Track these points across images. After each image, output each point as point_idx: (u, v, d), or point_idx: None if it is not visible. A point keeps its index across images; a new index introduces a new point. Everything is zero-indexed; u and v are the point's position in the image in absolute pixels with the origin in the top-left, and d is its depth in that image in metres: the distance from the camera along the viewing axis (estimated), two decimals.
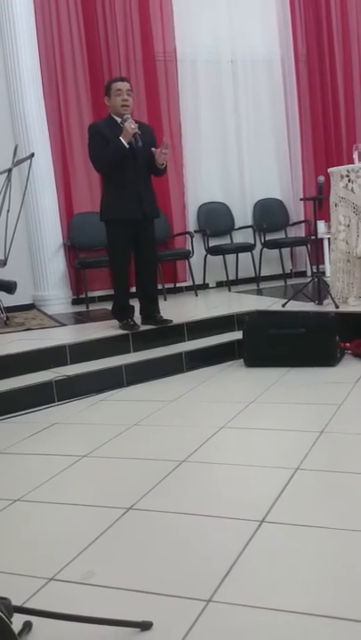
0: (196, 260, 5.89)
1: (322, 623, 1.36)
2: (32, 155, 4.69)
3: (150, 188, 4.07)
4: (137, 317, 4.14)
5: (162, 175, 4.15)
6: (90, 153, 4.01)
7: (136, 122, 3.92)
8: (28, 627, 1.40)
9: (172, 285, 5.95)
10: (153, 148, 3.94)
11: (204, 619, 1.41)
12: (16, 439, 2.82)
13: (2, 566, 1.70)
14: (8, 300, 4.84)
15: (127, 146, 3.83)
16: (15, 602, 1.34)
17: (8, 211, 4.45)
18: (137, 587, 1.56)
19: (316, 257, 5.21)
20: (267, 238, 6.15)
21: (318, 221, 4.85)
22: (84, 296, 5.42)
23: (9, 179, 4.47)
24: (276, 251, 6.19)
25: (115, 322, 4.15)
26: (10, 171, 4.51)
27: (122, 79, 4.02)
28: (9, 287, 4.59)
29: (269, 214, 6.35)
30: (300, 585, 1.51)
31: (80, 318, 4.83)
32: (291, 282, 6.05)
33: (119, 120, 3.92)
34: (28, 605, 1.48)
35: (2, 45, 5.29)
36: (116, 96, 3.90)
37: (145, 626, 1.38)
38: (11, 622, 1.18)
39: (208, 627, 1.38)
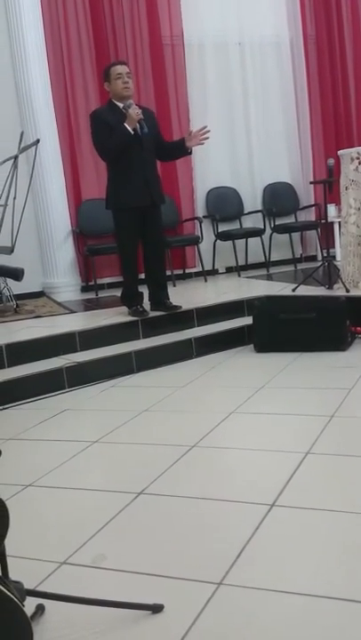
0: (206, 245, 5.86)
1: (332, 605, 1.36)
2: (37, 141, 4.66)
3: (157, 173, 4.04)
4: (146, 304, 4.13)
5: (168, 160, 4.14)
6: (94, 141, 3.96)
7: (139, 107, 3.87)
8: (40, 610, 1.41)
9: (181, 271, 5.93)
10: (192, 129, 3.93)
11: (214, 601, 1.41)
12: (27, 425, 2.83)
13: (14, 550, 1.71)
14: (18, 287, 4.85)
15: (132, 132, 3.79)
16: (27, 585, 1.35)
17: (15, 198, 4.44)
18: (148, 570, 1.57)
19: (327, 241, 5.18)
20: (276, 223, 6.11)
21: (328, 205, 4.80)
22: (93, 283, 5.41)
23: (15, 165, 4.45)
24: (286, 235, 6.13)
25: (124, 308, 4.15)
26: (16, 158, 4.49)
27: (120, 63, 3.98)
28: (16, 274, 4.60)
29: (279, 198, 6.29)
30: (310, 568, 1.51)
31: (89, 305, 4.83)
32: (301, 266, 6.00)
33: (121, 105, 3.87)
34: (41, 589, 1.49)
35: (8, 30, 5.24)
36: (116, 79, 3.85)
37: (156, 608, 1.39)
38: (23, 605, 1.20)
39: (219, 609, 1.39)
